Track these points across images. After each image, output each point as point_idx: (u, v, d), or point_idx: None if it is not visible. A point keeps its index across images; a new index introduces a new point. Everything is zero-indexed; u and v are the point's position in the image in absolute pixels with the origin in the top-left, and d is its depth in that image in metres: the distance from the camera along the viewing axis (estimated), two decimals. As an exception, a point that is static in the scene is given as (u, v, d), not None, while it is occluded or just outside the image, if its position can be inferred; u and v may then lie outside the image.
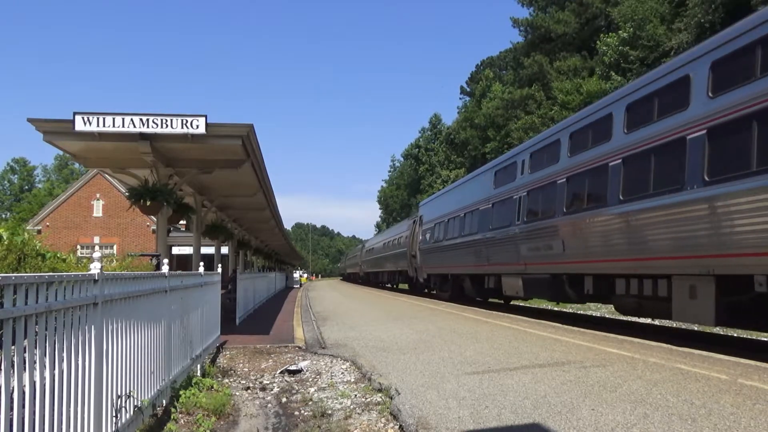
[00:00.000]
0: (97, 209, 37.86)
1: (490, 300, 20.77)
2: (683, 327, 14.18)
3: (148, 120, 9.60)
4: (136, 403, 4.45)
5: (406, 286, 36.68)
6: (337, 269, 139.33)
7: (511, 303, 20.92)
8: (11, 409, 2.54)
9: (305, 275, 79.78)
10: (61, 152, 12.61)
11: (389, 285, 42.58)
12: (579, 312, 18.41)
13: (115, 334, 4.04)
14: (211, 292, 9.16)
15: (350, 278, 75.32)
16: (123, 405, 4.13)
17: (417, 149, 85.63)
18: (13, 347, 2.59)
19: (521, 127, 46.01)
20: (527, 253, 14.24)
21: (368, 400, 6.06)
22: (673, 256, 9.06)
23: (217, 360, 9.01)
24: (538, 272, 13.86)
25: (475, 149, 59.71)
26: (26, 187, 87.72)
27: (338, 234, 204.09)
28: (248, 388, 7.05)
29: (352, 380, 7.18)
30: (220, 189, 16.14)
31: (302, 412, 5.85)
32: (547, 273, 13.34)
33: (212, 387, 6.67)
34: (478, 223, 17.95)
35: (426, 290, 28.86)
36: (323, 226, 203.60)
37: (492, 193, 17.03)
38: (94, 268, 3.63)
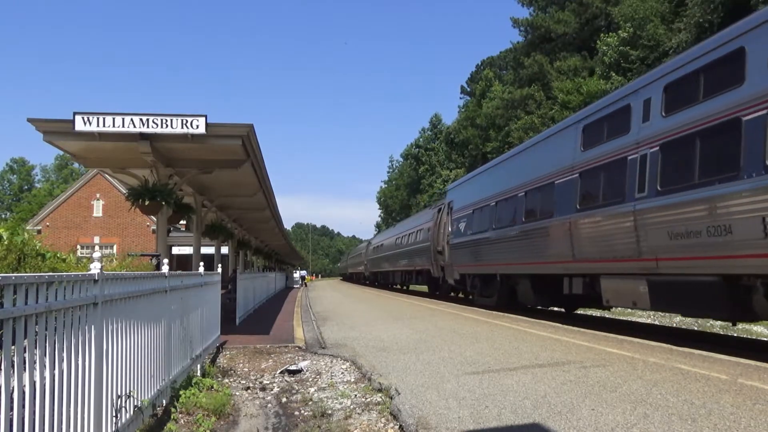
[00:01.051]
0: (97, 209, 37.86)
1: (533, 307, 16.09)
2: (683, 327, 14.18)
3: (148, 120, 9.60)
4: (136, 403, 4.45)
5: (421, 288, 32.29)
6: (337, 269, 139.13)
7: (575, 312, 16.43)
8: (11, 409, 2.54)
9: (306, 275, 79.12)
10: (61, 152, 12.62)
11: (398, 286, 37.96)
12: (578, 312, 18.36)
13: (115, 334, 4.04)
14: (211, 292, 9.16)
15: (353, 279, 69.77)
16: (123, 405, 4.13)
17: (417, 149, 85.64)
18: (13, 347, 2.59)
19: (521, 127, 46.06)
20: (663, 242, 9.15)
21: (368, 400, 6.06)
22: None
23: (217, 360, 9.02)
24: (687, 272, 8.84)
25: (476, 149, 59.75)
26: (26, 187, 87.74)
27: (338, 234, 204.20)
28: (248, 388, 7.05)
29: (352, 380, 7.18)
30: (220, 189, 16.14)
31: (302, 412, 5.85)
32: (712, 274, 8.40)
33: (212, 387, 6.66)
34: (553, 202, 12.80)
35: (454, 294, 24.59)
36: (323, 226, 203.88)
37: (579, 158, 11.85)
38: (94, 268, 3.63)
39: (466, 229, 18.78)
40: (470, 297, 20.43)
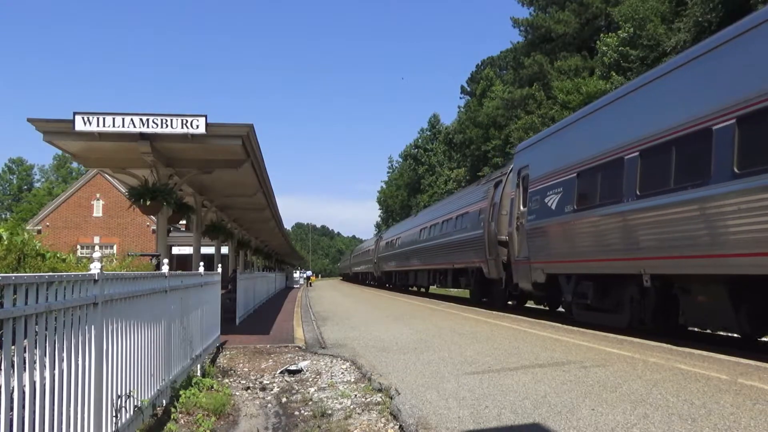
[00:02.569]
0: (97, 209, 37.88)
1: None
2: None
3: (148, 120, 9.60)
4: (136, 403, 4.45)
5: (457, 293, 26.56)
6: (336, 269, 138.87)
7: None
8: (11, 409, 2.54)
9: (311, 275, 78.17)
10: (59, 152, 12.62)
11: (416, 288, 32.93)
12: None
13: (115, 334, 4.04)
14: (211, 292, 9.16)
15: (358, 279, 62.38)
16: (123, 405, 4.13)
17: (416, 149, 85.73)
18: (13, 347, 2.59)
19: (521, 127, 46.10)
20: None
21: (368, 400, 6.06)
22: None
23: (217, 360, 9.02)
24: None
25: (477, 149, 59.75)
26: (25, 187, 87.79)
27: (338, 234, 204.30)
28: (248, 388, 7.06)
29: (352, 380, 7.18)
30: (220, 189, 16.14)
31: (302, 412, 5.85)
32: None
33: (212, 387, 6.66)
34: None
35: (513, 303, 17.44)
36: (323, 226, 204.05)
37: None
38: (94, 268, 3.63)
39: (562, 203, 12.13)
40: (564, 310, 13.55)
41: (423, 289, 32.31)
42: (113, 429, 3.88)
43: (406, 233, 32.67)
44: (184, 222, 29.73)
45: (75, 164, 73.19)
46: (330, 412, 5.69)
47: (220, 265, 11.48)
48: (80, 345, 3.38)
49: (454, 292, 29.25)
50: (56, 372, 3.03)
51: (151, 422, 4.97)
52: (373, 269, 46.39)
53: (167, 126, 9.65)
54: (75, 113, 9.39)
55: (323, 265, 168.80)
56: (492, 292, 18.29)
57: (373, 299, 26.62)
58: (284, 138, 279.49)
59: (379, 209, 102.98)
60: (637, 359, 7.40)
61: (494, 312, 16.09)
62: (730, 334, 12.34)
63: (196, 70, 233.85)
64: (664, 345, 8.64)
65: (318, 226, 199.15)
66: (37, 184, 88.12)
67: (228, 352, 9.85)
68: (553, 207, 12.55)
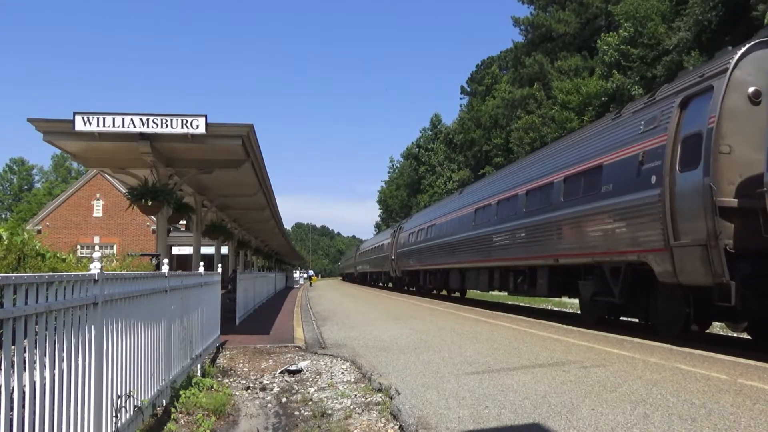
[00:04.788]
0: (97, 209, 37.88)
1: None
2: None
3: (148, 120, 9.59)
4: (136, 403, 4.45)
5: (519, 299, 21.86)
6: (336, 269, 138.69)
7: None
8: (11, 409, 2.54)
9: (312, 274, 78.43)
10: (58, 152, 12.62)
11: (443, 292, 26.88)
12: (579, 312, 18.27)
13: (115, 334, 4.04)
14: (211, 292, 9.16)
15: (366, 280, 54.21)
16: (123, 405, 4.13)
17: (417, 149, 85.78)
18: (13, 347, 2.59)
19: (521, 127, 46.15)
20: None
21: (368, 400, 6.06)
22: None
23: (217, 360, 9.02)
24: None
25: (479, 149, 59.79)
26: (25, 187, 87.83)
27: (338, 234, 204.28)
28: (248, 388, 7.06)
29: (352, 380, 7.19)
30: (220, 189, 16.14)
31: (302, 412, 5.85)
32: None
33: (212, 387, 6.66)
34: None
35: (694, 328, 9.65)
36: (323, 226, 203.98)
37: None
38: (94, 268, 3.63)
39: None
40: None
41: (458, 294, 26.17)
42: (113, 429, 3.88)
43: (445, 218, 23.53)
44: (184, 222, 29.72)
45: (74, 164, 73.29)
46: (330, 412, 5.69)
47: (220, 265, 11.48)
48: (80, 345, 3.38)
49: (504, 297, 23.54)
50: (56, 372, 3.03)
51: (151, 422, 4.97)
52: (390, 268, 37.14)
53: (167, 126, 9.64)
54: (75, 113, 9.38)
55: (323, 265, 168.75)
56: (659, 308, 9.99)
57: (372, 299, 26.63)
58: (284, 138, 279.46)
59: (380, 209, 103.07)
60: (637, 359, 7.40)
61: (494, 312, 16.07)
62: (730, 334, 12.31)
63: (196, 70, 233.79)
64: (664, 345, 8.64)
65: (318, 226, 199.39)
66: (38, 185, 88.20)
67: (228, 352, 9.85)
68: None
